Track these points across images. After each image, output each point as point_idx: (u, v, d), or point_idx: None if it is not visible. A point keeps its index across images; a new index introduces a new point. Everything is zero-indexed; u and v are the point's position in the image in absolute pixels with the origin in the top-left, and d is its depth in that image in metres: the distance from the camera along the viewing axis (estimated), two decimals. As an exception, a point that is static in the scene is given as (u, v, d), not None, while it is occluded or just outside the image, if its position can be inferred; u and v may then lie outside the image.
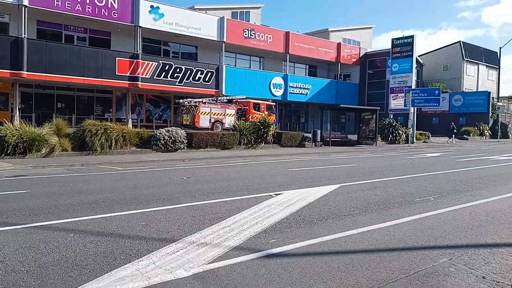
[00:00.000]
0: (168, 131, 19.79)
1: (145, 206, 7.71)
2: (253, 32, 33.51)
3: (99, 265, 4.69)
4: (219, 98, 27.95)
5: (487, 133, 40.56)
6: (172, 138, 19.56)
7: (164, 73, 28.64)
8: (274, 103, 32.13)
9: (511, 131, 43.73)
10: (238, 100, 29.08)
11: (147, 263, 4.76)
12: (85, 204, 7.86)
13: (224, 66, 31.68)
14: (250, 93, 32.99)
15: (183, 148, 20.11)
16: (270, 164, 16.39)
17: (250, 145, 22.96)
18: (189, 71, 29.81)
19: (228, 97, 28.85)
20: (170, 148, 19.47)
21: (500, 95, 45.53)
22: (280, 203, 8.09)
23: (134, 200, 8.26)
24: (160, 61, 28.75)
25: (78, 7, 25.38)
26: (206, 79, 30.68)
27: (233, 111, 27.37)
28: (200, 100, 26.51)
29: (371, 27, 53.04)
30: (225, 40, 31.56)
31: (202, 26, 30.55)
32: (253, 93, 33.24)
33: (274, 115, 30.96)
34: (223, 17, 31.99)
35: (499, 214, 7.66)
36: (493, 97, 42.62)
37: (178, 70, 29.30)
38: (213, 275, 4.49)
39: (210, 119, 25.63)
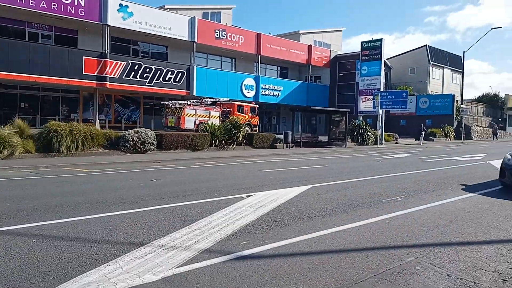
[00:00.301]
0: (137, 132, 19.44)
1: (113, 209, 7.52)
2: (225, 32, 33.41)
3: (64, 271, 4.53)
4: (203, 100, 28.03)
5: (452, 135, 41.90)
6: (142, 139, 19.23)
7: (133, 73, 28.14)
8: (258, 105, 32.39)
9: (474, 133, 45.34)
10: (222, 102, 29.28)
11: (114, 267, 4.63)
12: (49, 208, 7.59)
13: (195, 67, 31.44)
14: (222, 94, 32.86)
15: (153, 149, 19.80)
16: (242, 165, 16.36)
17: (221, 147, 22.85)
18: (159, 71, 29.41)
19: (212, 99, 28.89)
20: (139, 150, 19.13)
21: (464, 98, 47.13)
22: (251, 205, 8.06)
23: (101, 203, 8.04)
24: (129, 61, 28.24)
25: (43, 4, 24.60)
26: (177, 80, 30.35)
27: (217, 113, 27.53)
28: (185, 102, 26.71)
29: (341, 30, 53.89)
30: (196, 40, 31.32)
31: (173, 25, 30.21)
32: (225, 94, 33.10)
33: (257, 117, 31.39)
34: (194, 17, 31.76)
35: (463, 214, 7.89)
36: (457, 100, 44.10)
37: (148, 70, 28.85)
38: (182, 278, 4.41)
39: (195, 121, 25.84)
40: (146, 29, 28.98)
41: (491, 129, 48.47)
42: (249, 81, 35.48)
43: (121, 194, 9.08)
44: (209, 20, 36.44)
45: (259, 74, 36.64)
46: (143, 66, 28.64)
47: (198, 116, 26.38)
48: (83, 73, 26.23)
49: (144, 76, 28.67)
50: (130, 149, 18.94)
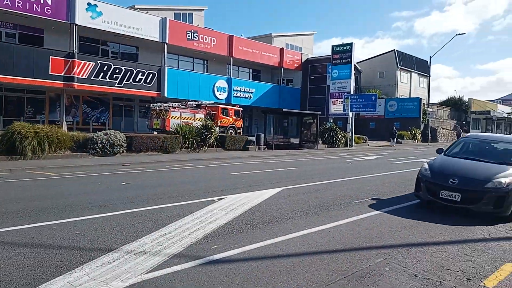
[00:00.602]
0: (106, 134, 19.01)
1: (80, 214, 7.31)
2: (197, 34, 33.18)
3: (26, 279, 4.35)
4: (188, 103, 28.21)
5: (419, 137, 43.06)
6: (111, 141, 18.82)
7: (102, 73, 27.54)
8: (242, 109, 32.92)
9: (439, 135, 46.74)
10: (207, 105, 29.62)
11: (80, 275, 4.49)
12: (12, 213, 7.30)
13: (166, 68, 31.06)
14: (194, 96, 32.60)
15: (123, 152, 19.41)
16: (214, 168, 16.26)
17: (193, 149, 22.64)
18: (129, 72, 28.89)
19: (197, 102, 29.01)
20: (108, 152, 18.71)
21: (430, 101, 48.51)
22: (223, 208, 8.01)
23: (67, 207, 7.80)
24: (98, 61, 27.62)
25: (7, 1, 23.73)
26: (148, 81, 29.91)
27: (202, 116, 27.57)
28: (170, 104, 26.76)
29: (313, 34, 54.53)
30: (167, 41, 30.96)
31: (143, 26, 29.77)
32: (197, 96, 32.87)
33: (241, 119, 31.94)
34: (165, 17, 31.39)
35: (429, 215, 8.10)
36: (424, 103, 45.34)
37: (117, 71, 28.30)
38: (151, 285, 4.33)
39: (180, 123, 25.42)
40: (115, 29, 28.42)
41: (455, 131, 50.08)
42: (222, 83, 35.36)
43: (88, 198, 8.84)
44: (181, 21, 36.06)
45: (231, 76, 36.56)
46: (113, 67, 28.07)
47: (183, 119, 26.38)
48: (50, 73, 25.44)
49: (114, 77, 28.09)
50: (98, 152, 18.50)
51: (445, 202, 7.96)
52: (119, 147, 19.10)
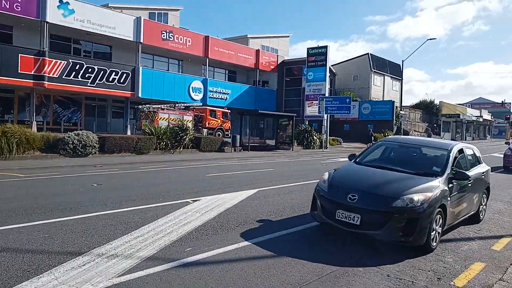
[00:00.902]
0: (77, 134, 18.57)
1: (49, 216, 7.09)
2: (172, 34, 32.84)
3: (-10, 285, 4.18)
4: (177, 105, 28.76)
5: (391, 139, 43.86)
6: (82, 142, 18.39)
7: (74, 72, 26.89)
8: (230, 111, 33.32)
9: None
10: (195, 107, 30.48)
11: (48, 279, 4.35)
12: (-23, 215, 7.01)
13: (140, 68, 30.59)
14: (169, 96, 32.24)
15: (95, 153, 19.00)
16: (188, 169, 16.11)
17: (167, 150, 22.38)
18: (102, 72, 28.31)
19: (185, 104, 29.60)
20: (80, 153, 18.28)
21: (403, 104, 49.50)
22: (198, 210, 7.93)
23: (36, 210, 7.55)
24: (70, 60, 26.95)
25: (-26, -4, 22.89)
26: (121, 81, 29.38)
27: (190, 117, 28.24)
28: (159, 106, 27.41)
29: (288, 36, 54.87)
30: (142, 41, 30.50)
31: (117, 25, 29.23)
32: (172, 97, 32.52)
33: (229, 121, 32.47)
34: (140, 17, 30.92)
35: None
36: (396, 106, 46.24)
37: (90, 70, 27.68)
38: (123, 289, 4.23)
39: (168, 125, 25.97)
40: (88, 28, 27.79)
41: (426, 134, 51.30)
42: (197, 83, 35.09)
43: (59, 200, 8.59)
44: (156, 21, 35.63)
45: (207, 77, 36.33)
46: (85, 66, 27.44)
47: (172, 120, 26.86)
48: (19, 71, 24.63)
49: (86, 76, 27.47)
50: (70, 153, 18.05)
51: (341, 225, 5.97)
52: (91, 148, 18.69)
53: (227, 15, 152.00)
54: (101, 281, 4.34)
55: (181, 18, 42.34)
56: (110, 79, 28.69)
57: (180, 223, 6.87)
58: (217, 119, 31.19)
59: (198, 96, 34.96)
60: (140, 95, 30.19)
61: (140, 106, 27.65)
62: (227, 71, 42.21)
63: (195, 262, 5.07)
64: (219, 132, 30.83)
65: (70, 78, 26.70)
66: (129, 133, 29.58)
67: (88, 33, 28.50)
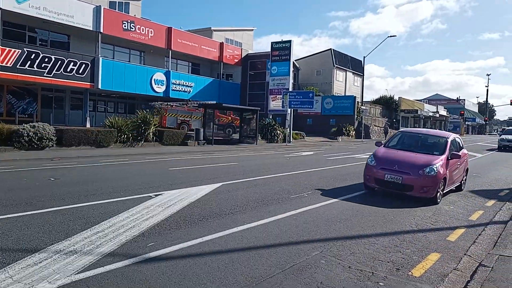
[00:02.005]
0: (33, 126, 17.81)
1: (3, 212, 6.76)
2: (133, 24, 32.01)
3: None
4: (188, 103, 31.29)
5: (353, 134, 44.85)
6: (39, 134, 17.66)
7: (29, 62, 25.71)
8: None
9: (372, 132, 48.98)
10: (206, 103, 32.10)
11: (2, 278, 4.15)
12: None
13: (100, 58, 29.66)
14: (130, 88, 31.50)
15: (52, 145, 18.29)
16: (151, 163, 15.82)
17: (129, 143, 21.88)
18: (60, 62, 27.23)
19: (198, 102, 31.23)
20: (36, 146, 17.54)
21: (364, 99, 50.69)
22: (160, 204, 7.80)
23: (-12, 205, 7.18)
24: (25, 49, 25.74)
25: None
26: (80, 71, 28.38)
27: (199, 114, 29.59)
28: (169, 103, 30.32)
29: (253, 30, 54.75)
30: (101, 30, 29.55)
31: (76, 13, 28.15)
32: (133, 89, 31.79)
33: (239, 118, 33.07)
34: (100, 6, 29.92)
35: (363, 208, 8.46)
36: (358, 101, 47.27)
37: (46, 59, 26.56)
38: (82, 285, 4.10)
39: (176, 121, 28.82)
40: (44, 15, 26.59)
41: (383, 128, 52.69)
42: (159, 75, 34.43)
43: (13, 195, 8.21)
44: (117, 11, 34.61)
45: (169, 69, 35.73)
46: (41, 55, 26.29)
47: (180, 117, 29.27)
48: (-31, 59, 23.34)
49: (43, 66, 26.33)
50: (25, 145, 17.28)
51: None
52: (48, 140, 17.98)
53: (190, 6, 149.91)
54: (59, 278, 4.19)
55: (142, 9, 41.34)
56: (68, 70, 27.66)
57: (142, 217, 6.74)
58: (227, 116, 32.72)
59: (160, 89, 34.35)
60: (100, 86, 29.32)
61: (152, 103, 30.19)
62: (190, 64, 41.67)
63: (157, 257, 4.99)
64: (229, 129, 32.38)
65: (24, 67, 25.54)
66: (88, 125, 28.71)
67: (44, 21, 27.29)
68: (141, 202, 7.93)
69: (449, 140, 10.33)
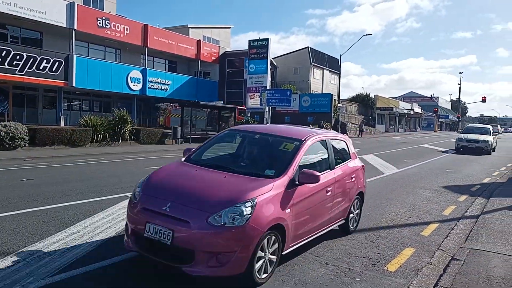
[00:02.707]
0: (4, 126, 17.30)
1: (-28, 214, 6.56)
2: (108, 21, 31.44)
3: None
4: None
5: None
6: (10, 134, 17.17)
7: (0, 59, 24.98)
8: (246, 108, 36.61)
9: (349, 130, 49.59)
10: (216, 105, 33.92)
11: (-28, 283, 4.03)
12: None
13: (74, 56, 29.02)
14: (105, 86, 30.96)
15: (25, 145, 17.82)
16: (128, 162, 15.61)
17: (105, 142, 21.51)
18: (32, 59, 26.52)
19: (206, 104, 32.49)
20: (8, 146, 17.06)
21: (340, 97, 51.25)
22: (137, 204, 7.71)
23: (-43, 208, 6.96)
24: (-5, 46, 24.99)
25: None
26: (53, 69, 27.72)
27: (203, 114, 30.89)
28: (173, 104, 31.81)
29: (230, 27, 54.56)
30: (75, 27, 28.91)
31: (48, 10, 27.45)
32: (109, 87, 31.25)
33: (243, 117, 35.13)
34: (73, 2, 29.25)
35: (340, 204, 8.56)
36: (335, 99, 47.74)
37: (18, 57, 25.82)
38: (57, 289, 4.02)
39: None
40: (15, 12, 25.83)
41: (358, 126, 53.42)
42: (136, 73, 33.92)
43: (-17, 197, 7.97)
44: (91, 7, 33.91)
45: (146, 67, 35.26)
46: (13, 53, 25.53)
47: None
48: None
49: (14, 63, 25.59)
50: (-4, 145, 16.79)
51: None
52: (20, 140, 17.52)
53: (167, 3, 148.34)
54: (32, 281, 4.10)
55: (118, 5, 40.49)
56: (41, 67, 26.98)
57: (118, 218, 6.66)
58: (243, 118, 34.55)
59: (137, 87, 33.89)
60: (74, 84, 28.70)
61: (159, 104, 32.03)
62: (167, 62, 41.26)
63: (133, 259, 4.94)
64: None
65: (-5, 65, 24.77)
66: (62, 124, 28.09)
67: (15, 17, 26.52)
68: (117, 202, 7.82)
69: (304, 147, 5.23)
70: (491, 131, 25.77)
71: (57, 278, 4.23)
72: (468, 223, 7.39)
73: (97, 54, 33.69)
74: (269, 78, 36.72)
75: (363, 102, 61.26)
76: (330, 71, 55.34)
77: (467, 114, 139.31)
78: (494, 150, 25.05)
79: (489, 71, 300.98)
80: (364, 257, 5.38)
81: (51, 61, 27.53)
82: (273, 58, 45.93)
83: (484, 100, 70.55)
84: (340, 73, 50.98)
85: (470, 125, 33.24)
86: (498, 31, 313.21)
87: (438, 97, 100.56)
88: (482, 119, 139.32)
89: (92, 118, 21.81)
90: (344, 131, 45.71)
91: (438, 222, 7.46)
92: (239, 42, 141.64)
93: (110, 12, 34.81)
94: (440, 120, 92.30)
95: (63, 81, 28.33)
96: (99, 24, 30.72)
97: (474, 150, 23.35)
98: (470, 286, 4.45)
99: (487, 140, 23.70)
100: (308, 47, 51.98)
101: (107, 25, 31.30)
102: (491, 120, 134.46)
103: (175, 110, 30.62)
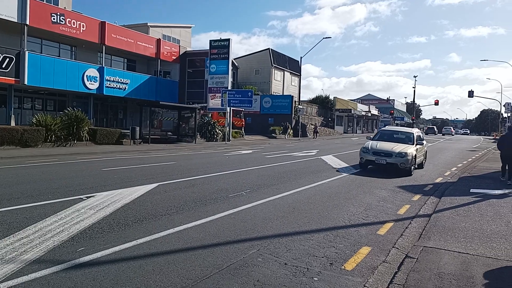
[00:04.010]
0: (-51, 125, 16.29)
1: None
2: (63, 17, 30.28)
3: None
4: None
5: (290, 132, 45.88)
6: (-45, 133, 16.19)
7: None
8: (243, 110, 38.43)
9: (309, 131, 50.38)
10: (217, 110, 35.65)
11: None
12: None
13: (26, 52, 27.74)
14: (60, 84, 29.80)
15: (-29, 146, 16.86)
16: (83, 163, 15.08)
17: (59, 143, 20.70)
18: (-20, 55, 25.13)
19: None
20: (-48, 146, 16.07)
21: (301, 99, 51.94)
22: (92, 207, 7.46)
23: None
24: None
25: None
26: (3, 66, 26.36)
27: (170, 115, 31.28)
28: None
29: (191, 27, 53.98)
30: (27, 23, 27.64)
31: (-2, 3, 26.11)
32: (63, 85, 30.10)
33: (242, 119, 37.30)
34: (26, -4, 27.99)
35: (299, 205, 8.66)
36: (295, 101, 48.38)
37: (-36, 52, 24.40)
38: (2, 297, 3.80)
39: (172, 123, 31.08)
40: (-39, 4, 24.43)
41: (313, 128, 54.23)
42: (92, 71, 32.87)
43: None
44: (45, 2, 32.54)
45: (103, 65, 34.25)
46: (-42, 47, 24.12)
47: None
48: None
49: (-41, 59, 24.17)
50: None
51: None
52: (-34, 140, 16.54)
53: (125, 1, 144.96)
54: (-25, 291, 3.85)
55: (73, 1, 39.20)
56: (-10, 64, 25.60)
57: (72, 221, 6.40)
58: (242, 119, 36.60)
59: (93, 85, 32.85)
60: (26, 82, 27.43)
61: (153, 108, 32.44)
62: (126, 60, 40.27)
63: (88, 263, 4.76)
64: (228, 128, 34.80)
65: None
66: (13, 123, 26.77)
67: (-39, 9, 25.04)
68: (71, 205, 7.52)
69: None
70: (414, 137, 16.66)
71: (3, 285, 4.00)
72: (421, 222, 7.66)
73: (51, 51, 32.36)
74: (230, 79, 36.65)
75: (323, 104, 62.38)
76: (291, 73, 55.97)
77: (421, 116, 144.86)
78: (421, 167, 16.97)
79: (442, 75, 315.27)
80: (323, 257, 5.45)
81: (1, 57, 26.20)
82: (234, 59, 45.92)
83: (437, 103, 73.70)
84: (300, 75, 51.67)
85: (387, 127, 22.87)
86: (450, 37, 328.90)
87: (394, 99, 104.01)
88: (435, 121, 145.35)
89: (45, 117, 20.93)
90: (304, 133, 46.37)
91: (393, 221, 7.68)
92: (200, 42, 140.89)
93: (65, 7, 33.60)
94: (396, 122, 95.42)
95: (14, 79, 27.00)
96: (54, 20, 29.55)
97: (385, 168, 15.00)
98: (423, 283, 4.60)
99: (405, 153, 14.77)
100: (269, 48, 52.37)
101: (62, 21, 30.14)
102: (443, 122, 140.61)
103: (167, 113, 31.57)
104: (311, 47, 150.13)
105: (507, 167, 13.10)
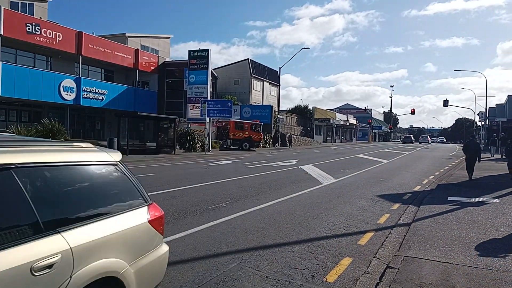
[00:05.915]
0: None
1: None
2: (39, 27, 29.76)
3: None
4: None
5: (270, 142, 45.97)
6: None
7: None
8: (262, 123, 39.33)
9: (287, 140, 50.62)
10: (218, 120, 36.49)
11: None
12: None
13: (0, 63, 27.13)
14: (35, 95, 29.22)
15: None
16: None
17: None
18: (-50, 65, 24.43)
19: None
20: None
21: (280, 109, 52.29)
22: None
23: None
24: None
25: None
26: (-24, 77, 25.70)
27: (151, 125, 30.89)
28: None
29: (169, 37, 53.87)
30: (1, 33, 27.07)
31: (-30, 13, 25.50)
32: (39, 96, 29.51)
33: (260, 133, 38.00)
34: (0, 6, 27.44)
35: (279, 216, 8.59)
36: (275, 111, 48.60)
37: None
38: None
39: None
40: None
41: (287, 137, 54.48)
42: (69, 82, 32.32)
43: None
44: (19, 12, 31.95)
45: (80, 76, 33.73)
46: None
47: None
48: None
49: None
50: None
51: None
52: None
53: (102, 11, 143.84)
54: None
55: (49, 11, 38.66)
56: (-39, 74, 24.89)
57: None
58: (243, 131, 36.60)
59: (70, 96, 32.30)
60: (-1, 93, 26.77)
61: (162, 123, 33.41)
62: (103, 70, 39.79)
63: None
64: (245, 143, 36.42)
65: None
66: None
67: None
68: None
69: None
70: None
71: None
72: (401, 231, 7.69)
73: (26, 61, 31.73)
74: (209, 89, 36.60)
75: (302, 113, 62.87)
76: (270, 83, 56.29)
77: (398, 125, 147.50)
78: None
79: (419, 85, 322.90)
80: (304, 269, 5.38)
81: (-27, 67, 25.49)
82: (214, 69, 45.90)
83: (413, 112, 75.32)
84: (279, 85, 52.06)
85: None
86: (426, 47, 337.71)
87: (372, 109, 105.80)
88: (411, 130, 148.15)
89: (19, 129, 20.38)
90: (283, 142, 46.54)
91: (374, 231, 7.69)
92: (179, 52, 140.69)
93: (41, 17, 33.10)
94: (374, 131, 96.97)
95: (-14, 90, 26.30)
96: (28, 30, 29.02)
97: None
98: (404, 294, 4.58)
99: None
100: (248, 59, 52.59)
101: (37, 31, 29.64)
102: (420, 131, 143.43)
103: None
104: (290, 57, 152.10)
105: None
